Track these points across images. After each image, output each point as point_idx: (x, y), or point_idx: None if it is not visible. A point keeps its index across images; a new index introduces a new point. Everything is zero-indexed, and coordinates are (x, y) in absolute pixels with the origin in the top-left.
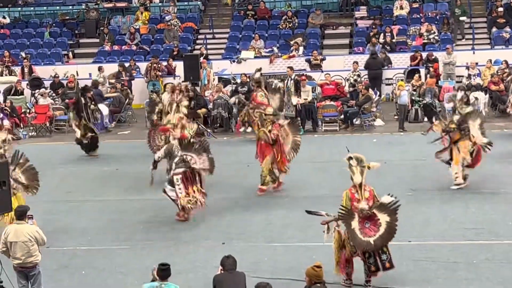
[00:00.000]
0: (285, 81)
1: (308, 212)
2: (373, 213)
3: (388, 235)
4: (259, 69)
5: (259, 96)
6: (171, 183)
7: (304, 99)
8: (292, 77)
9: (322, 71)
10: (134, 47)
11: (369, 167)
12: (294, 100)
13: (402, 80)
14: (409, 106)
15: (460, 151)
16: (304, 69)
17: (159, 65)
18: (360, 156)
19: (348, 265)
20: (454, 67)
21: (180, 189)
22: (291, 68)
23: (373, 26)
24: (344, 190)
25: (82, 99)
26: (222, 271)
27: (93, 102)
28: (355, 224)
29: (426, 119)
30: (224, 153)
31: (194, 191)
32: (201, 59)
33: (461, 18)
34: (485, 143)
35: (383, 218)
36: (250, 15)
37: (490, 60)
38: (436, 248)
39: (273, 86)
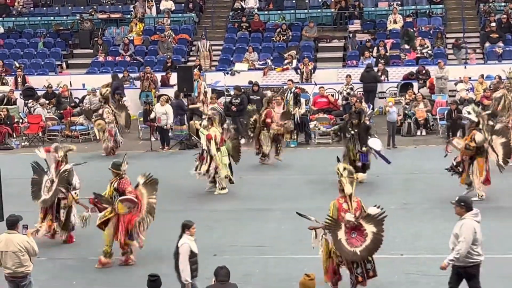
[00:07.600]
0: (285, 94)
1: (299, 214)
2: (360, 223)
3: (374, 246)
4: (107, 84)
5: (105, 112)
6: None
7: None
8: (292, 89)
9: (316, 84)
10: (128, 58)
11: (357, 178)
12: (294, 111)
13: (393, 95)
14: (398, 122)
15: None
16: (298, 82)
17: (152, 76)
18: (350, 168)
19: (335, 274)
20: (446, 82)
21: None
22: (291, 80)
23: (367, 40)
24: (332, 201)
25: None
26: (215, 282)
27: None
28: (341, 234)
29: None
30: None
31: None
32: (195, 70)
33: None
34: (501, 164)
35: (370, 228)
36: (244, 27)
37: (482, 75)
38: (428, 261)
39: (119, 103)
